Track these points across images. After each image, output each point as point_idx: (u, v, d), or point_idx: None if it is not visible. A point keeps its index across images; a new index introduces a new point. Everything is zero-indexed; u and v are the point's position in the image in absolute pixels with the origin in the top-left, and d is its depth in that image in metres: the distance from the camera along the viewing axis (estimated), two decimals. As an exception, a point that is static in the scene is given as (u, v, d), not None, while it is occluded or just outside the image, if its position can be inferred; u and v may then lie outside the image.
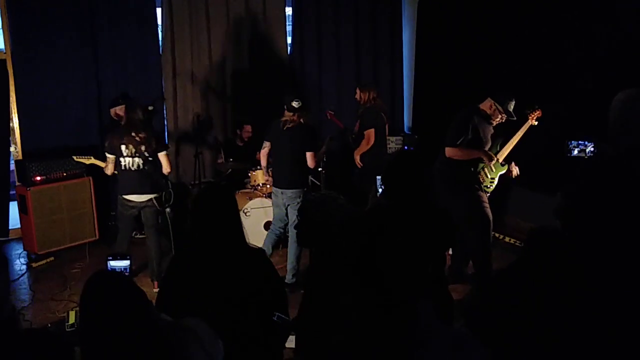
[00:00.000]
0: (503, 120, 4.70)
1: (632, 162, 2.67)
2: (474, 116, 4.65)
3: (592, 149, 3.09)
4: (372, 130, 6.03)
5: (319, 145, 5.34)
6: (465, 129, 4.60)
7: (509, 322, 2.49)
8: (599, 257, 2.74)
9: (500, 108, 4.63)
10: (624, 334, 2.55)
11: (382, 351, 1.62)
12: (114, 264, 3.52)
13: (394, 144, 7.39)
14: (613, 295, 2.64)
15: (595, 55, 5.42)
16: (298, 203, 4.93)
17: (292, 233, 5.06)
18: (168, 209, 5.17)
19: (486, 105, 4.70)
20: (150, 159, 4.82)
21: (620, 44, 5.19)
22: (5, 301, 1.77)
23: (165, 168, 4.93)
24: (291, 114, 4.91)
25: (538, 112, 4.66)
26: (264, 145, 5.24)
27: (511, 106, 4.65)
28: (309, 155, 4.95)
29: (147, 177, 4.87)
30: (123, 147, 4.78)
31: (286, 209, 5.11)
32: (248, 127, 6.90)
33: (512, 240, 5.81)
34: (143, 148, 4.78)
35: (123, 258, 3.44)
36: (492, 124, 4.72)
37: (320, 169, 6.66)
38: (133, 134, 4.75)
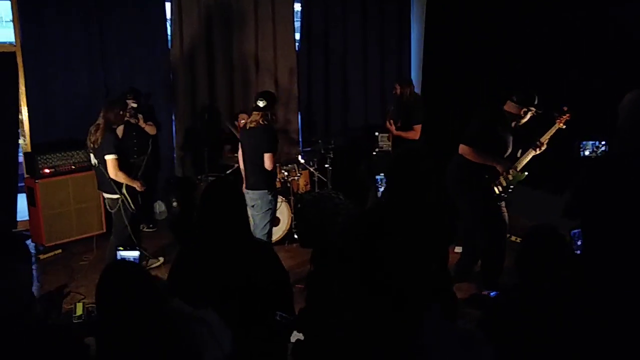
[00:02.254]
0: (528, 116, 4.49)
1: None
2: (498, 122, 4.49)
3: (603, 149, 3.07)
4: (420, 126, 6.02)
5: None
6: (486, 132, 4.45)
7: (513, 321, 2.50)
8: (603, 255, 2.74)
9: (531, 107, 4.44)
10: (625, 332, 2.55)
11: (388, 353, 1.62)
12: (123, 254, 3.54)
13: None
14: (616, 294, 2.63)
15: (606, 55, 5.40)
16: (262, 206, 4.84)
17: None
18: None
19: (511, 107, 4.49)
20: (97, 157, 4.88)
21: (631, 44, 5.16)
22: (22, 292, 1.79)
23: (109, 172, 4.81)
24: (256, 113, 4.85)
25: (567, 115, 4.41)
26: (239, 148, 5.21)
27: (536, 99, 4.48)
28: (266, 156, 4.77)
29: (100, 175, 4.94)
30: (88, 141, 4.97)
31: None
32: (243, 116, 6.78)
33: (520, 240, 5.79)
34: (92, 145, 4.88)
35: (132, 248, 3.48)
36: (514, 127, 4.53)
37: (327, 165, 6.67)
38: (91, 129, 4.92)
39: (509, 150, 4.52)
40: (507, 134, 4.50)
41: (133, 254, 3.47)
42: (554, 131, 4.47)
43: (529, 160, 4.56)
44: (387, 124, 6.16)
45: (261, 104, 4.81)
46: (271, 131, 4.87)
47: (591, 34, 5.53)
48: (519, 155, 4.58)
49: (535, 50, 6.12)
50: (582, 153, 3.12)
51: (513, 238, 5.83)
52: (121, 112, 4.96)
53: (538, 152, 4.53)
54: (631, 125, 2.71)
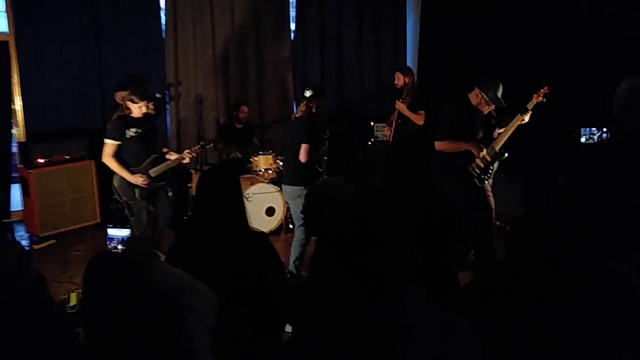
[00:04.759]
0: (492, 109, 4.58)
1: (635, 149, 2.67)
2: (461, 108, 4.60)
3: (602, 136, 3.08)
4: (424, 113, 6.01)
5: (322, 143, 4.94)
6: (452, 122, 4.57)
7: (503, 310, 2.50)
8: (594, 243, 2.74)
9: (485, 97, 4.50)
10: (617, 324, 2.55)
11: (366, 335, 1.62)
12: (112, 232, 3.54)
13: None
14: (604, 282, 2.63)
15: (604, 41, 5.38)
16: (299, 205, 4.61)
17: (296, 231, 4.80)
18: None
19: (473, 95, 4.60)
20: None
21: (628, 32, 5.15)
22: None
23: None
24: (302, 103, 4.81)
25: (545, 88, 4.39)
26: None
27: (498, 92, 4.51)
28: (302, 147, 4.59)
29: None
30: None
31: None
32: (244, 108, 6.84)
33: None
34: None
35: (123, 227, 3.48)
36: (483, 112, 4.62)
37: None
38: None
39: (480, 135, 4.61)
40: (473, 117, 4.59)
41: (122, 233, 3.46)
42: (533, 104, 4.45)
43: (511, 135, 4.54)
44: (399, 101, 6.10)
45: (307, 93, 4.76)
46: (312, 120, 4.71)
47: (588, 20, 5.52)
48: (495, 135, 4.64)
49: (532, 38, 6.09)
50: (579, 140, 3.12)
51: (508, 227, 5.84)
52: (129, 102, 4.76)
53: (525, 118, 4.50)
54: (626, 113, 2.70)
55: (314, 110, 4.71)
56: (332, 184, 2.73)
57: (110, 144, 4.73)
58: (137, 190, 4.85)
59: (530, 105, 4.47)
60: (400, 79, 6.18)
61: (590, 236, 2.72)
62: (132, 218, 4.93)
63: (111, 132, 4.74)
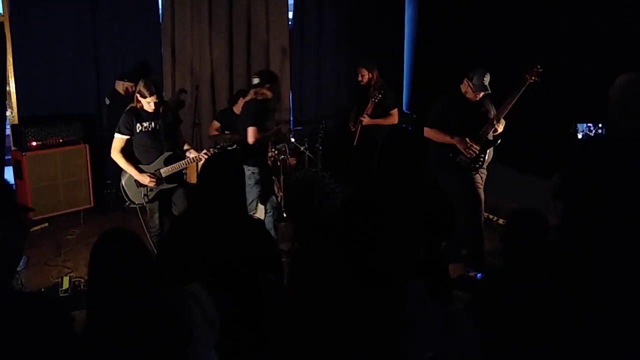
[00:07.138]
0: (479, 97, 4.57)
1: (631, 146, 2.68)
2: (452, 97, 4.66)
3: (598, 132, 3.08)
4: (396, 110, 5.82)
5: (269, 126, 4.96)
6: (443, 111, 4.66)
7: (498, 305, 2.51)
8: (589, 239, 2.76)
9: (470, 84, 4.53)
10: (610, 315, 2.58)
11: (369, 329, 1.63)
12: None
13: None
14: (600, 276, 2.65)
15: (599, 38, 5.38)
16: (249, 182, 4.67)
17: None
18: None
19: (463, 84, 4.64)
20: None
21: (622, 27, 5.16)
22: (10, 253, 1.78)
23: None
24: (252, 90, 4.90)
25: (536, 68, 4.32)
26: None
27: (484, 79, 4.50)
28: (248, 130, 4.71)
29: None
30: None
31: None
32: (240, 102, 6.72)
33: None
34: None
35: None
36: (474, 102, 4.62)
37: (317, 145, 6.63)
38: None
39: (469, 124, 4.60)
40: (461, 109, 4.63)
41: None
42: (522, 88, 4.37)
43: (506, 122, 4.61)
44: (352, 125, 5.86)
45: (255, 81, 4.88)
46: (258, 106, 4.82)
47: (585, 15, 5.52)
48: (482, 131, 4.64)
49: (531, 32, 6.08)
50: (577, 136, 3.13)
51: (500, 221, 5.87)
52: (138, 95, 4.45)
53: (498, 128, 4.55)
54: (622, 109, 2.71)
55: (259, 97, 4.84)
56: (312, 175, 2.75)
57: (117, 138, 4.46)
58: (144, 190, 4.54)
59: (506, 107, 4.47)
60: (365, 76, 5.79)
61: (591, 233, 2.75)
62: (144, 219, 4.71)
63: (119, 126, 4.45)
